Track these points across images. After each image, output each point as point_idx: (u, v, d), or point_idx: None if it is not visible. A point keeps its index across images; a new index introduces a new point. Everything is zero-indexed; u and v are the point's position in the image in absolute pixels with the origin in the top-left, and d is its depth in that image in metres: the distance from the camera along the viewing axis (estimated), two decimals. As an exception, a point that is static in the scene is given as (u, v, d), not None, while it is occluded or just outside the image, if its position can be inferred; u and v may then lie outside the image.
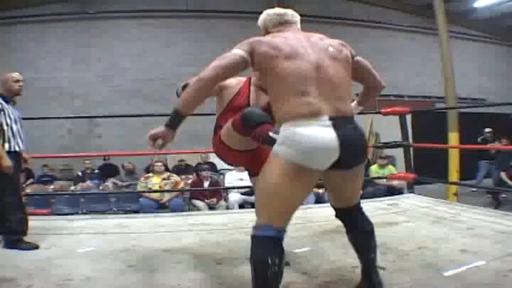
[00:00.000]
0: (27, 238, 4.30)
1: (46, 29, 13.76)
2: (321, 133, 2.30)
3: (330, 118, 2.35)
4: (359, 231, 2.82)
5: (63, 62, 13.59)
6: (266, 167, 2.44)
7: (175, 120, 2.49)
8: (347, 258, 3.40)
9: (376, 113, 6.74)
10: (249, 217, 4.53)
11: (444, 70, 11.01)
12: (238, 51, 2.50)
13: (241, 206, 8.92)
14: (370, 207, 5.73)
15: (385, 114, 6.44)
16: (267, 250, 2.32)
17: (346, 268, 3.33)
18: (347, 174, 2.56)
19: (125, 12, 13.84)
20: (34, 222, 5.27)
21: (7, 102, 4.59)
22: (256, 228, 2.40)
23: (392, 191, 8.31)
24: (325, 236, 4.36)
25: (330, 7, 14.85)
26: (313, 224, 4.91)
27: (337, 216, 2.86)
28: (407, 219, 4.97)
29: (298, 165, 2.29)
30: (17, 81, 4.75)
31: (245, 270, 2.99)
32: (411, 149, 6.98)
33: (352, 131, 2.42)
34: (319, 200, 8.75)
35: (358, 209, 2.83)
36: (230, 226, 5.08)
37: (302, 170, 2.31)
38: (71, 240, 4.53)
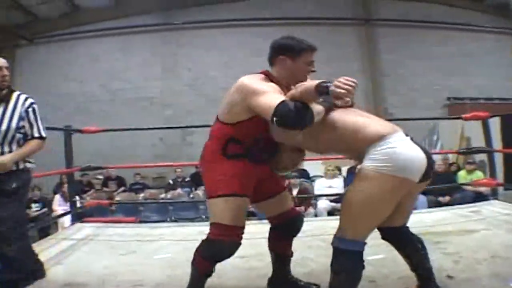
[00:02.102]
0: (106, 245, 4.38)
1: (133, 40, 14.39)
2: (413, 147, 2.46)
3: (405, 134, 2.53)
4: (413, 248, 2.86)
5: (152, 72, 14.06)
6: (367, 185, 2.44)
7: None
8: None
9: (457, 118, 6.51)
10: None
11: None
12: None
13: (330, 213, 8.80)
14: (452, 215, 5.75)
15: (467, 119, 6.19)
16: (358, 263, 2.54)
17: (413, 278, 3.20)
18: (419, 187, 2.63)
19: (209, 22, 14.20)
20: (118, 229, 5.47)
21: None
22: (342, 242, 2.51)
23: (480, 198, 7.97)
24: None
25: (412, 10, 14.51)
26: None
27: (385, 236, 2.90)
28: (485, 227, 4.82)
29: (402, 178, 2.39)
30: None
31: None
32: (502, 154, 6.71)
33: (420, 144, 2.56)
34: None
35: (407, 227, 2.88)
36: (311, 233, 4.95)
37: (405, 183, 2.41)
38: (151, 246, 4.61)
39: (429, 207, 8.31)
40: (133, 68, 14.15)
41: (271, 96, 2.45)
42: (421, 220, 5.28)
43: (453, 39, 14.61)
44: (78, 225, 5.79)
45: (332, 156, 9.78)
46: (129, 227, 5.76)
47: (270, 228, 3.15)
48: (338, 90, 2.29)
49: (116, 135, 12.65)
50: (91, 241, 4.92)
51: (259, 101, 2.49)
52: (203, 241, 2.86)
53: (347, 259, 2.51)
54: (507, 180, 9.48)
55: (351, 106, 2.76)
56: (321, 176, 10.09)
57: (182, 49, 14.19)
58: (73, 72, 14.42)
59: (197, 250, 2.89)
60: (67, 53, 14.48)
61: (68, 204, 6.33)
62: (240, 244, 2.78)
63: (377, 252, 3.87)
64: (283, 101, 2.35)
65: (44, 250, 4.43)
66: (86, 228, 5.56)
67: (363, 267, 2.56)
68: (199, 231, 5.21)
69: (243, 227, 2.78)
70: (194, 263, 2.90)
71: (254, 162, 2.81)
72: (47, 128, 3.72)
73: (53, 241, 4.89)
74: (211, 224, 2.78)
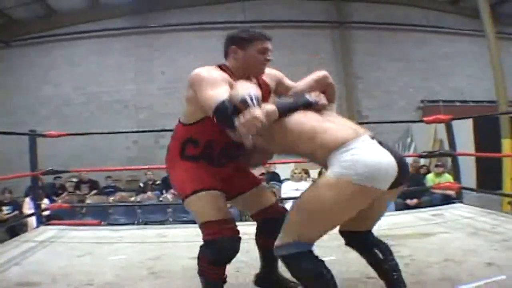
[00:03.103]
0: (66, 247, 4.59)
1: (108, 43, 14.58)
2: (380, 152, 2.33)
3: (371, 137, 2.41)
4: (374, 255, 2.79)
5: (126, 75, 14.21)
6: (322, 191, 2.35)
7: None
8: (368, 269, 3.46)
9: (419, 121, 6.66)
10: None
11: (494, 73, 10.73)
12: None
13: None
14: (413, 218, 5.82)
15: (428, 122, 6.37)
16: (314, 261, 2.45)
17: (361, 279, 3.38)
18: (391, 193, 2.51)
19: (185, 25, 14.43)
20: (80, 232, 5.70)
21: None
22: (286, 247, 2.44)
23: (448, 200, 8.17)
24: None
25: (389, 13, 14.79)
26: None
27: (349, 242, 2.87)
28: (445, 230, 4.91)
29: (364, 187, 2.26)
30: None
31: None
32: (475, 158, 6.78)
33: (391, 148, 2.44)
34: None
35: (370, 233, 2.84)
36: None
37: (367, 191, 2.29)
38: (108, 248, 4.81)
39: (397, 209, 8.35)
40: (108, 71, 14.32)
41: (217, 92, 2.39)
42: (380, 223, 5.42)
43: (428, 42, 14.96)
44: (43, 227, 5.96)
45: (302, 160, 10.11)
46: (91, 230, 5.94)
47: (256, 225, 3.11)
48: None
49: (90, 138, 12.82)
50: (52, 243, 5.10)
51: (205, 95, 2.46)
52: (201, 246, 2.71)
53: (298, 262, 2.43)
54: (480, 183, 9.69)
55: (324, 108, 2.73)
56: (288, 179, 10.24)
57: (156, 53, 14.38)
58: (49, 75, 14.57)
59: (199, 258, 2.71)
60: (43, 56, 14.59)
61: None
62: (239, 237, 2.68)
63: (332, 253, 4.05)
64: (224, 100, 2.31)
65: (6, 251, 4.65)
66: (50, 231, 5.73)
67: (321, 264, 2.45)
68: (158, 234, 5.49)
69: (232, 219, 2.68)
70: (200, 272, 2.72)
71: (211, 165, 2.77)
72: (13, 134, 3.93)
73: (16, 243, 5.07)
74: (200, 227, 2.67)
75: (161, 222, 9.30)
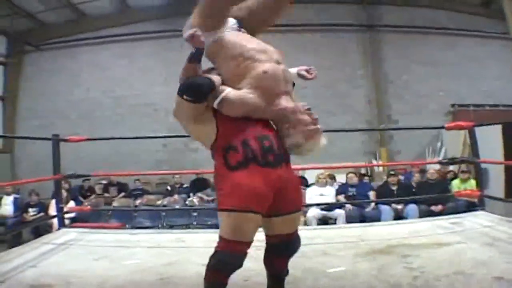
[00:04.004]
0: (83, 250, 4.71)
1: (137, 47, 14.75)
2: None
3: None
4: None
5: (155, 79, 14.35)
6: None
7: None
8: (376, 281, 3.49)
9: (439, 128, 6.56)
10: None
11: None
12: None
13: (325, 222, 9.10)
14: (431, 226, 5.77)
15: (449, 129, 6.30)
16: None
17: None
18: None
19: (215, 29, 14.32)
20: (100, 235, 5.82)
21: None
22: None
23: (473, 207, 8.05)
24: (368, 256, 4.39)
25: (417, 16, 14.63)
26: (363, 243, 4.96)
27: None
28: (461, 240, 4.84)
29: None
30: None
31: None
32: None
33: None
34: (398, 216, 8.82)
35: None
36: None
37: None
38: (124, 252, 4.92)
39: (421, 216, 8.41)
40: (137, 75, 14.48)
41: None
42: (398, 231, 5.42)
43: (458, 45, 14.73)
44: (64, 230, 6.13)
45: (334, 165, 10.15)
46: (111, 233, 6.08)
47: (266, 245, 3.04)
48: None
49: (119, 141, 13.03)
50: (71, 245, 5.25)
51: None
52: (212, 254, 2.80)
53: None
54: (508, 191, 9.49)
55: None
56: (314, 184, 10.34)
57: (185, 56, 14.45)
58: (78, 79, 14.83)
59: (207, 264, 2.79)
60: (73, 59, 14.89)
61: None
62: (244, 256, 2.75)
63: (341, 264, 4.13)
64: None
65: (24, 253, 4.81)
66: (71, 233, 5.89)
67: None
68: (176, 238, 5.58)
69: (247, 242, 2.74)
70: (205, 277, 2.81)
71: (261, 167, 2.75)
72: (35, 138, 4.07)
73: (35, 245, 5.24)
74: (219, 236, 2.78)
75: (186, 226, 9.42)
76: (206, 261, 2.79)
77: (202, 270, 3.36)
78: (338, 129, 11.98)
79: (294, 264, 3.82)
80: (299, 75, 3.31)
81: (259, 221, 2.79)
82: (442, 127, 6.28)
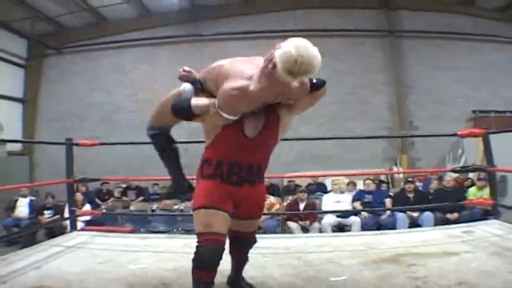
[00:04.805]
0: (90, 253, 4.76)
1: (158, 51, 14.90)
2: None
3: None
4: None
5: (177, 83, 14.36)
6: None
7: None
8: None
9: (452, 135, 6.47)
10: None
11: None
12: None
13: (340, 229, 9.09)
14: (441, 235, 5.65)
15: (463, 136, 6.24)
16: None
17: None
18: None
19: (235, 34, 14.53)
20: (109, 239, 5.87)
21: None
22: None
23: (489, 215, 7.95)
24: (373, 265, 4.35)
25: (438, 21, 14.49)
26: (371, 251, 4.93)
27: None
28: (469, 249, 4.75)
29: None
30: None
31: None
32: None
33: None
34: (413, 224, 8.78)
35: None
36: (291, 250, 5.20)
37: None
38: (130, 257, 4.92)
39: (436, 224, 8.36)
40: (159, 79, 14.55)
41: None
42: (407, 240, 5.33)
43: (479, 50, 14.56)
44: (76, 233, 6.19)
45: (353, 172, 10.13)
46: (121, 237, 6.11)
47: (230, 238, 3.43)
48: None
49: (140, 146, 13.15)
50: (79, 249, 5.28)
51: None
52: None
53: None
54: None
55: None
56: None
57: (207, 61, 14.52)
58: (99, 82, 15.07)
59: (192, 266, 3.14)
60: (94, 63, 15.12)
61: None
62: (218, 247, 3.03)
63: (344, 273, 4.10)
64: None
65: (30, 255, 4.87)
66: (81, 236, 5.94)
67: None
68: (185, 244, 5.55)
69: (218, 233, 3.03)
70: (192, 278, 3.13)
71: (225, 183, 3.16)
72: (49, 143, 4.15)
73: (43, 247, 5.30)
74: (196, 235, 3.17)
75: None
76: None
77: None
78: (357, 136, 12.00)
79: (298, 272, 3.80)
80: None
81: (226, 218, 3.12)
82: (455, 135, 6.20)
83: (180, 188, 3.87)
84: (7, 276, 4.06)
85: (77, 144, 6.42)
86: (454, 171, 7.60)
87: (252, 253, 4.54)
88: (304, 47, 2.67)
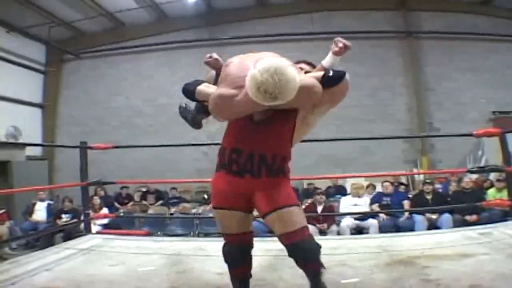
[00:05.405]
0: (102, 256, 4.80)
1: (177, 55, 14.99)
2: None
3: None
4: None
5: (195, 89, 14.45)
6: None
7: None
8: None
9: (468, 135, 6.38)
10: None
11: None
12: None
13: (359, 231, 9.04)
14: (459, 236, 5.56)
15: (479, 135, 6.16)
16: None
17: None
18: None
19: (253, 37, 14.52)
20: (123, 242, 5.91)
21: None
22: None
23: (508, 216, 7.80)
24: (386, 267, 4.29)
25: (457, 22, 14.34)
26: (385, 253, 4.88)
27: None
28: (486, 251, 4.66)
29: None
30: None
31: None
32: None
33: None
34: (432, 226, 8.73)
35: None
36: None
37: None
38: (142, 259, 4.94)
39: (455, 226, 8.28)
40: (178, 84, 14.56)
41: None
42: (423, 242, 5.27)
43: (499, 51, 14.36)
44: (90, 236, 6.26)
45: (373, 173, 10.07)
46: (135, 240, 6.14)
47: None
48: None
49: (159, 149, 13.30)
50: (92, 251, 5.34)
51: None
52: None
53: None
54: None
55: None
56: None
57: (226, 64, 14.59)
58: (118, 87, 15.24)
59: None
60: (113, 67, 15.30)
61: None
62: (234, 247, 3.15)
63: (357, 275, 4.07)
64: None
65: (44, 257, 4.95)
66: (95, 239, 6.00)
67: None
68: (197, 246, 5.59)
69: (232, 234, 3.13)
70: None
71: (228, 174, 3.04)
72: (63, 146, 4.20)
73: (57, 249, 5.39)
74: None
75: (220, 234, 9.43)
76: (221, 269, 3.14)
77: (214, 278, 3.56)
78: (375, 136, 11.95)
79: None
80: (333, 53, 3.26)
81: (236, 215, 3.09)
82: (471, 135, 6.13)
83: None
84: (17, 277, 4.11)
85: (91, 148, 6.49)
86: (470, 171, 7.49)
87: (266, 255, 4.56)
88: (273, 71, 2.49)
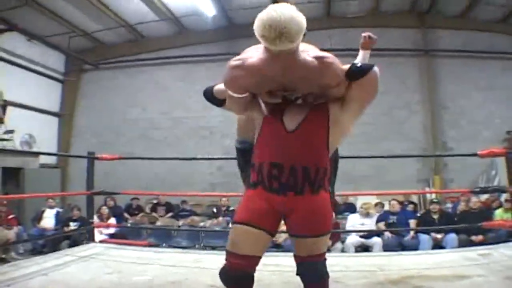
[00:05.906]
0: (100, 264, 4.91)
1: (194, 69, 15.07)
2: None
3: None
4: None
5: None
6: None
7: None
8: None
9: (472, 155, 6.37)
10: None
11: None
12: None
13: (364, 249, 9.05)
14: (458, 257, 5.54)
15: (483, 156, 6.15)
16: None
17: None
18: None
19: (272, 52, 14.45)
20: (125, 251, 6.03)
21: None
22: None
23: (512, 237, 7.78)
24: (378, 286, 4.36)
25: (473, 40, 14.18)
26: (380, 272, 4.91)
27: None
28: (482, 273, 4.66)
29: None
30: None
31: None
32: None
33: None
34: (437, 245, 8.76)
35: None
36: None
37: None
38: (138, 269, 5.05)
39: (460, 246, 8.29)
40: (195, 97, 14.63)
41: None
42: (421, 262, 5.31)
43: (514, 69, 14.20)
44: (92, 244, 6.39)
45: (383, 191, 10.09)
46: (136, 250, 6.26)
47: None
48: None
49: (174, 162, 13.39)
50: (91, 259, 5.45)
51: None
52: None
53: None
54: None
55: None
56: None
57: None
58: (136, 99, 15.38)
59: None
60: (131, 79, 15.45)
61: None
62: (235, 272, 2.77)
63: None
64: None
65: (43, 262, 5.08)
66: (96, 248, 6.14)
67: None
68: (195, 259, 5.68)
69: (242, 255, 2.74)
70: None
71: (267, 191, 2.78)
72: (73, 156, 4.31)
73: (57, 255, 5.52)
74: None
75: (224, 248, 9.50)
76: (214, 282, 3.03)
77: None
78: (387, 155, 11.94)
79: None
80: (361, 47, 3.44)
81: (260, 236, 2.77)
82: (475, 155, 6.13)
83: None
84: (13, 280, 4.25)
85: (97, 158, 6.64)
86: (473, 192, 7.50)
87: (261, 271, 4.60)
88: (277, 10, 2.42)
